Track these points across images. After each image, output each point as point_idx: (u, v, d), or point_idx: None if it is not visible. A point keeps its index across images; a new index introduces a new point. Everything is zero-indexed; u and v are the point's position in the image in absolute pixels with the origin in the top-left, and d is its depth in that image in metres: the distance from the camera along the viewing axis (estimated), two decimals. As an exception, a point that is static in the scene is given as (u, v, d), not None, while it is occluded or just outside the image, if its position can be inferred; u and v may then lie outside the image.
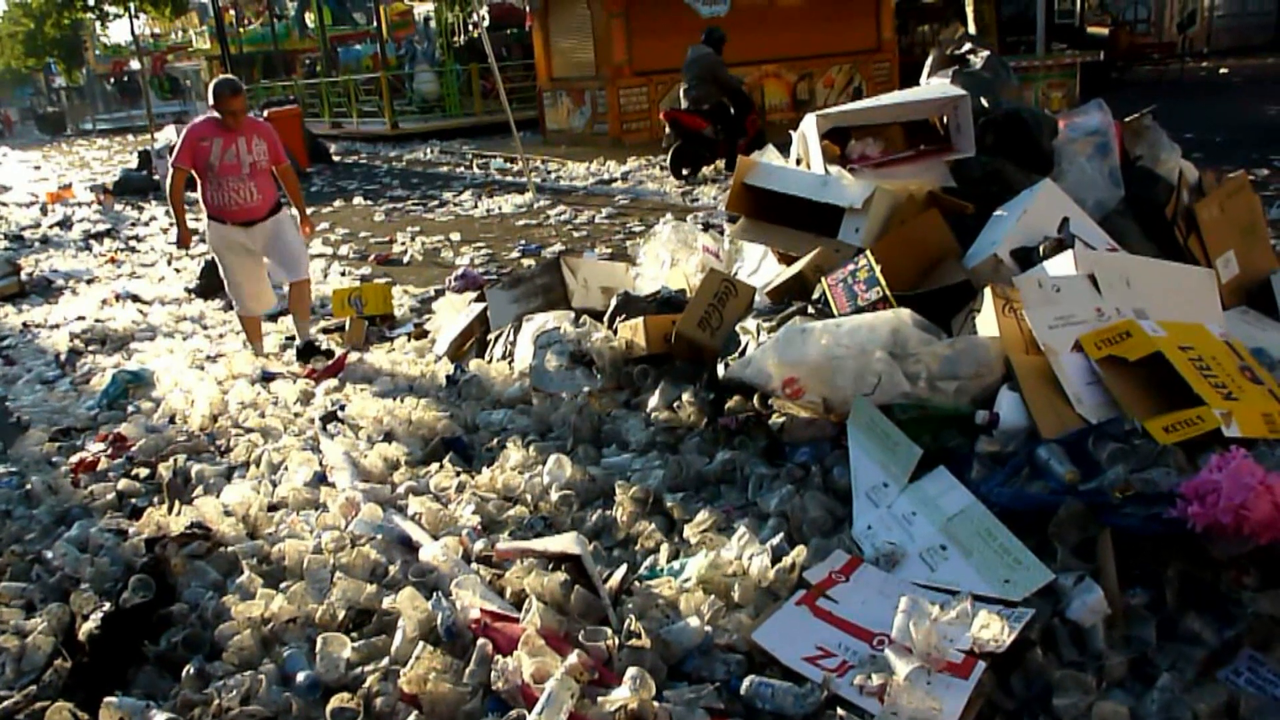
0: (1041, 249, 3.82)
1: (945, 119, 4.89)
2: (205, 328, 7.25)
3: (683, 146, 12.14)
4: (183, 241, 6.18)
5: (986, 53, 5.25)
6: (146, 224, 13.13)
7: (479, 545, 3.19)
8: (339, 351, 5.92)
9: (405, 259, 9.56)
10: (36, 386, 6.09)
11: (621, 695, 2.31)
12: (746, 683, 2.42)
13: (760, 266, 5.09)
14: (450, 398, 4.76)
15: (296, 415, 4.82)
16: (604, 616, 2.72)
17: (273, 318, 7.25)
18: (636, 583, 2.94)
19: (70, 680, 2.77)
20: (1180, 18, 28.20)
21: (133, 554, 3.34)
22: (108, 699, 2.57)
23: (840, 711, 2.31)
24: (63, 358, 6.64)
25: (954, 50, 5.39)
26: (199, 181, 5.87)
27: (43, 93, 56.85)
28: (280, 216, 6.06)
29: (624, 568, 2.98)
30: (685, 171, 12.35)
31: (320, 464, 4.02)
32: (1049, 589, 2.58)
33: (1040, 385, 3.27)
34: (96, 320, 7.54)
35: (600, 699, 2.33)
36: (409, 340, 6.19)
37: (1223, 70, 23.46)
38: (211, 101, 5.78)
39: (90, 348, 6.83)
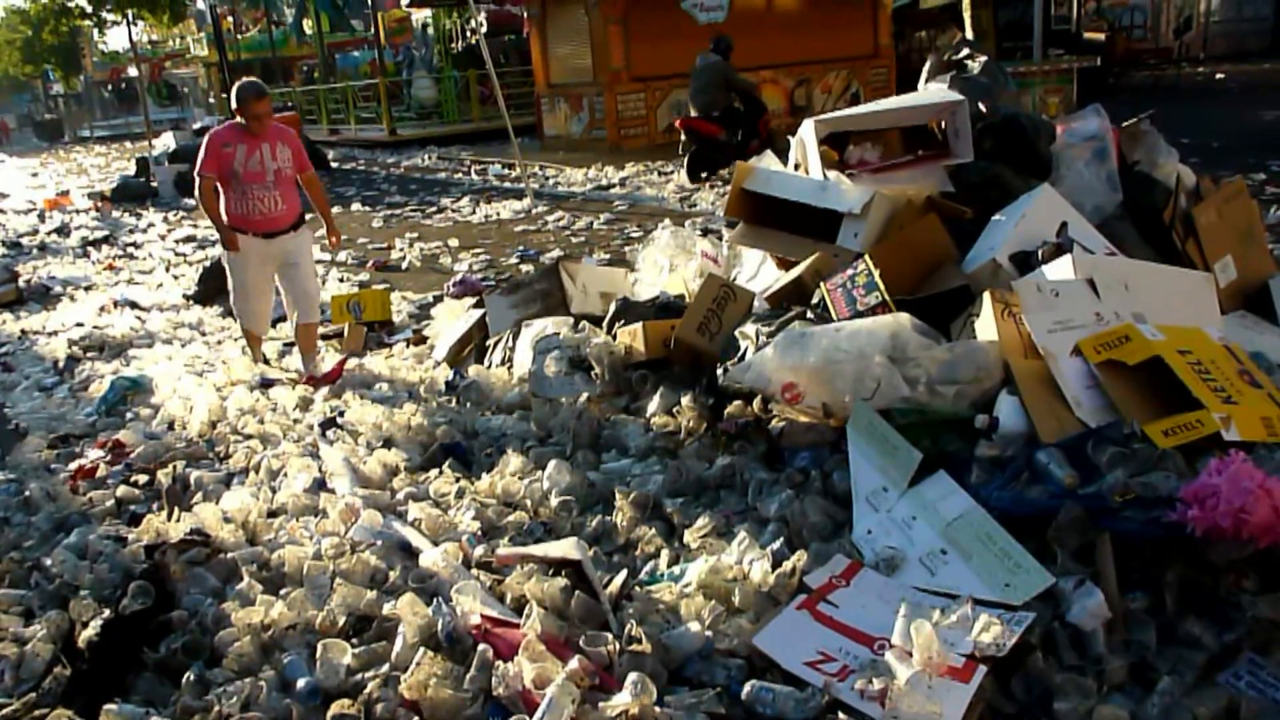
0: (1040, 253, 3.83)
1: (943, 124, 4.90)
2: (204, 334, 7.24)
3: (698, 152, 12.21)
4: (230, 244, 5.74)
5: (984, 58, 5.27)
6: (144, 230, 13.12)
7: (479, 551, 3.19)
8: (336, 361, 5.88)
9: (404, 265, 9.56)
10: (35, 393, 6.08)
11: (622, 700, 2.31)
12: (747, 688, 2.43)
13: (759, 272, 5.10)
14: (449, 403, 4.76)
15: (296, 422, 4.82)
16: (604, 622, 2.72)
17: (272, 323, 7.25)
18: (637, 588, 2.94)
19: (70, 687, 2.77)
20: (1176, 23, 28.27)
21: (132, 561, 3.33)
22: (107, 706, 2.57)
23: (841, 716, 2.32)
24: (61, 364, 6.64)
25: (951, 56, 5.40)
26: (221, 190, 5.64)
27: (40, 99, 56.84)
28: (302, 236, 5.82)
29: (624, 573, 2.98)
30: (703, 175, 12.42)
31: (320, 470, 4.02)
32: (1049, 593, 2.58)
33: (1039, 389, 3.27)
34: (95, 327, 7.52)
35: (601, 704, 2.33)
36: (408, 346, 6.19)
37: (1219, 76, 23.50)
38: (235, 105, 5.55)
39: (89, 354, 6.82)
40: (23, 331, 7.78)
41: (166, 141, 19.18)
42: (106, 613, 2.98)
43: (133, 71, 40.12)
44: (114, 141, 37.63)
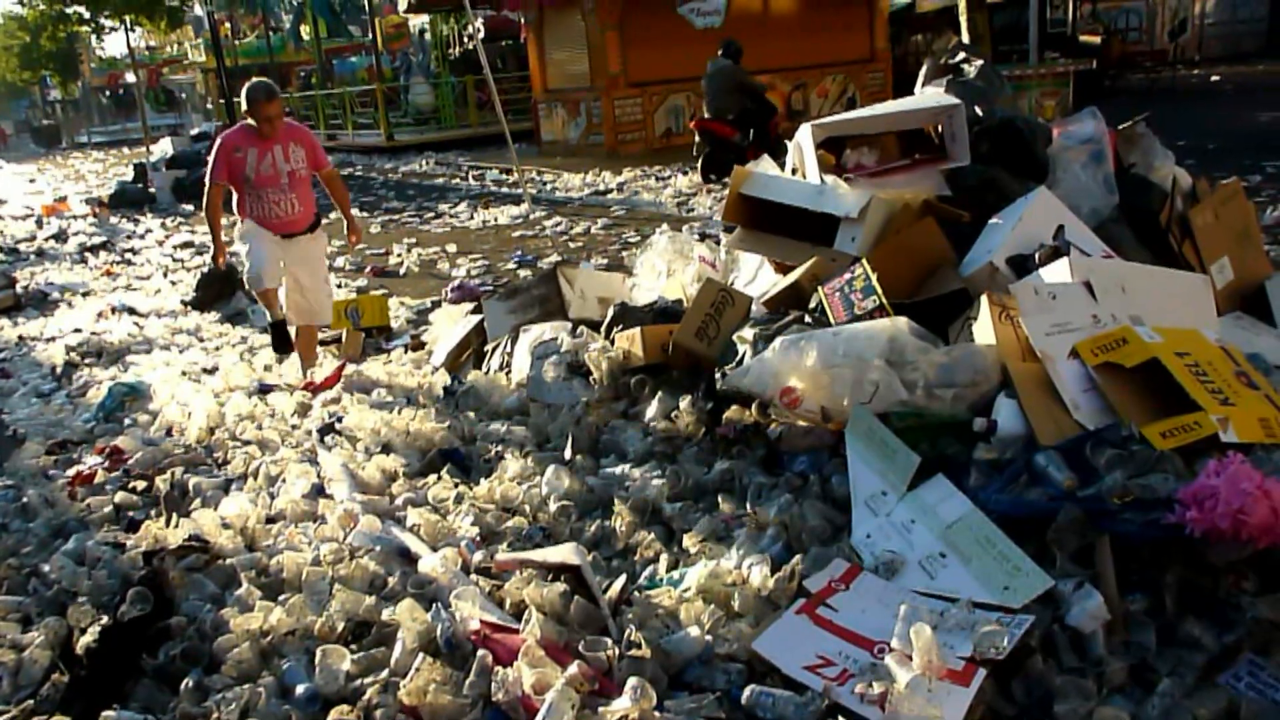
0: (1037, 256, 3.84)
1: (940, 128, 4.91)
2: (202, 340, 7.24)
3: (712, 154, 12.28)
4: (219, 258, 5.84)
5: (980, 62, 5.27)
6: (142, 236, 13.12)
7: (478, 556, 3.18)
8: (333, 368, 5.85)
9: (401, 270, 9.56)
10: (32, 400, 6.08)
11: (622, 706, 2.30)
12: (747, 692, 2.42)
13: (757, 276, 5.10)
14: (448, 409, 4.76)
15: (294, 427, 4.81)
16: (604, 627, 2.72)
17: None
18: (636, 593, 2.94)
19: (68, 694, 2.76)
20: (1172, 26, 28.30)
21: (130, 567, 3.32)
22: (106, 713, 2.57)
23: (841, 720, 2.32)
24: (59, 371, 6.63)
25: (948, 59, 5.41)
26: (235, 194, 5.57)
27: (38, 106, 56.88)
28: (317, 239, 5.77)
29: (623, 578, 2.97)
30: (713, 177, 12.48)
31: (318, 476, 4.02)
32: (1048, 595, 2.58)
33: (1037, 392, 3.28)
34: (93, 333, 7.52)
35: (601, 709, 2.33)
36: (406, 352, 6.19)
37: (1214, 78, 23.55)
38: (245, 107, 5.46)
39: (86, 360, 6.81)
40: (20, 337, 7.78)
41: (164, 147, 19.18)
42: (105, 619, 2.97)
43: (130, 78, 40.21)
44: (112, 147, 37.66)
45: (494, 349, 5.25)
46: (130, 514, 3.95)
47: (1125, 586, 2.58)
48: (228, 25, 36.96)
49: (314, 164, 5.63)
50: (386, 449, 4.31)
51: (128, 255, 11.73)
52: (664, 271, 5.66)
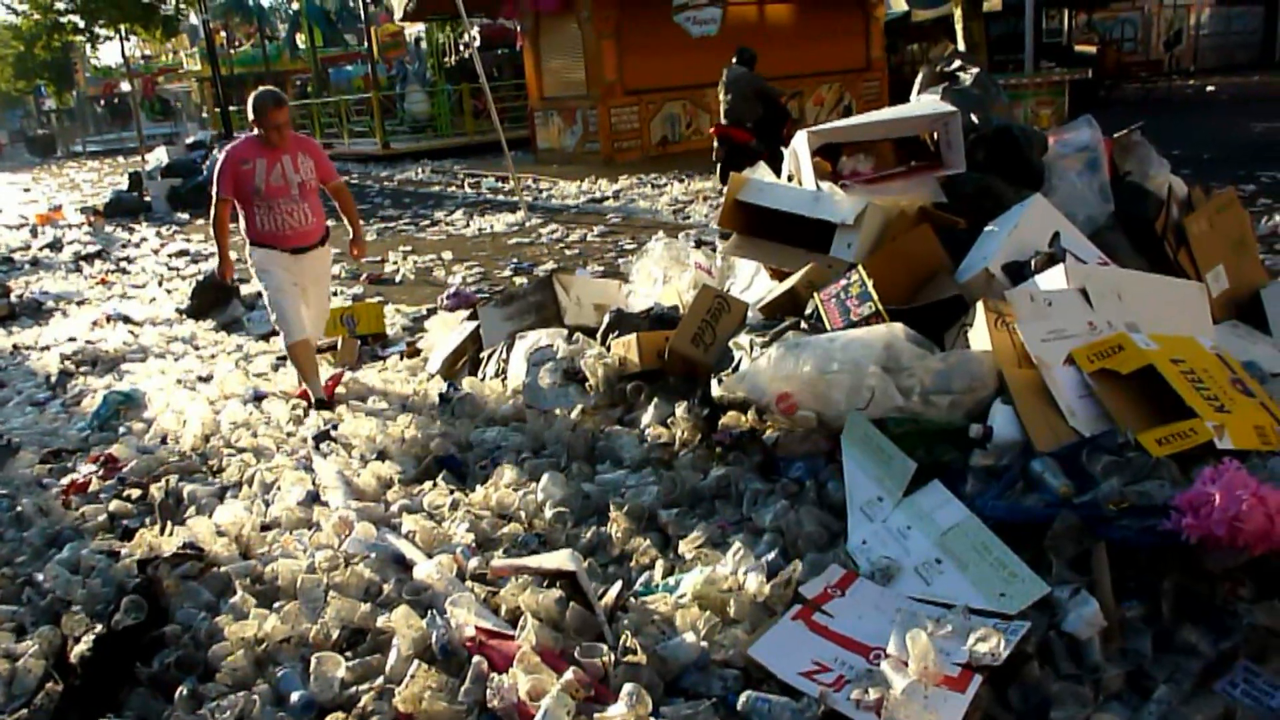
0: (1033, 263, 3.84)
1: (936, 135, 4.91)
2: (197, 348, 7.22)
3: (729, 158, 12.32)
4: (225, 274, 5.61)
5: (976, 70, 5.28)
6: (137, 245, 13.11)
7: (473, 563, 3.17)
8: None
9: (397, 278, 9.56)
10: (27, 408, 6.06)
11: (618, 712, 2.30)
12: (743, 698, 2.42)
13: (753, 283, 5.10)
14: (443, 416, 4.75)
15: (289, 435, 4.81)
16: (600, 633, 2.71)
17: (265, 337, 7.24)
18: (632, 599, 2.93)
19: (62, 703, 2.75)
20: (1167, 37, 28.47)
21: (125, 575, 3.32)
22: (100, 721, 2.56)
23: (837, 726, 2.31)
24: (53, 379, 6.61)
25: (944, 68, 5.42)
26: (242, 210, 5.34)
27: (33, 115, 56.81)
28: (327, 255, 5.67)
29: (619, 584, 2.97)
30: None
31: (313, 483, 4.01)
32: (1045, 602, 2.58)
33: (1033, 399, 3.28)
34: (87, 342, 7.50)
35: (596, 716, 2.32)
36: (401, 359, 6.19)
37: (1209, 88, 23.65)
38: (252, 116, 5.25)
39: (81, 369, 6.80)
40: (15, 346, 7.77)
41: (159, 156, 19.20)
42: (99, 628, 2.96)
43: (125, 87, 40.20)
44: (107, 157, 37.61)
45: (490, 356, 5.24)
46: (125, 522, 3.94)
47: (1121, 593, 2.58)
48: (223, 34, 37.03)
49: (322, 176, 5.49)
50: (382, 456, 4.30)
51: (123, 264, 11.71)
52: (660, 278, 5.66)
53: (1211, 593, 2.58)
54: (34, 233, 14.88)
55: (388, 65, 31.11)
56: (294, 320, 5.42)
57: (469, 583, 3.05)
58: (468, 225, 12.44)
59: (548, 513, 3.54)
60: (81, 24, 29.32)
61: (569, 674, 2.40)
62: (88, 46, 38.50)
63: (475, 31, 22.52)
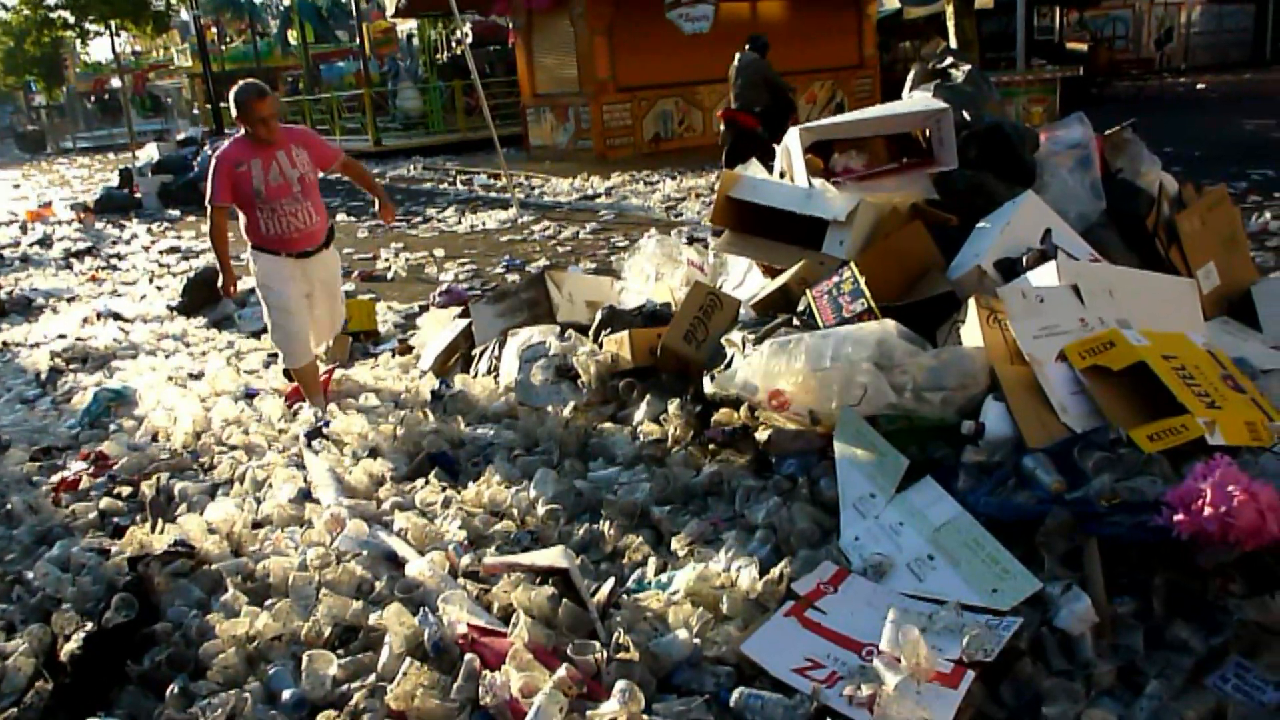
0: (1025, 260, 3.85)
1: (928, 132, 4.92)
2: (188, 345, 7.19)
3: (735, 144, 12.33)
4: (228, 289, 5.25)
5: (968, 67, 5.29)
6: (128, 242, 13.05)
7: (466, 560, 3.17)
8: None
9: (389, 275, 9.53)
10: (17, 405, 6.03)
11: (610, 709, 2.29)
12: (736, 695, 2.42)
13: (745, 279, 5.10)
14: (436, 413, 4.74)
15: (281, 432, 4.79)
16: (592, 630, 2.71)
17: (256, 334, 7.22)
18: (624, 596, 2.93)
19: (52, 702, 2.74)
20: (1158, 34, 28.54)
21: (115, 573, 3.30)
22: None
23: (830, 722, 2.31)
24: (43, 376, 6.58)
25: (936, 65, 5.42)
26: (243, 214, 5.03)
27: (22, 111, 56.51)
28: (331, 256, 5.38)
29: (612, 581, 2.96)
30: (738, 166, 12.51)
31: (305, 480, 4.00)
32: (1037, 598, 2.58)
33: (1025, 395, 3.28)
34: (78, 338, 7.48)
35: (589, 713, 2.32)
36: (393, 356, 6.17)
37: (1200, 86, 23.73)
38: (235, 113, 4.91)
39: (71, 366, 6.77)
40: (4, 343, 7.73)
41: (150, 153, 19.14)
42: (89, 626, 2.95)
43: (116, 83, 40.01)
44: (97, 153, 37.46)
45: (482, 353, 5.23)
46: (115, 520, 3.92)
47: (1113, 589, 2.59)
48: (214, 30, 36.92)
49: (323, 161, 5.19)
50: (374, 453, 4.29)
51: (113, 260, 11.66)
52: (652, 275, 5.66)
53: (1203, 588, 2.58)
54: (24, 229, 14.81)
55: (380, 62, 31.06)
56: (298, 343, 5.17)
57: (461, 580, 3.05)
58: (460, 222, 12.41)
59: (540, 510, 3.54)
60: (72, 19, 29.16)
61: (561, 671, 2.40)
62: (78, 42, 38.38)
63: (467, 28, 22.48)
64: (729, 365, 3.82)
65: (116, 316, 8.25)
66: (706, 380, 3.87)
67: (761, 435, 3.58)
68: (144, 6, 27.65)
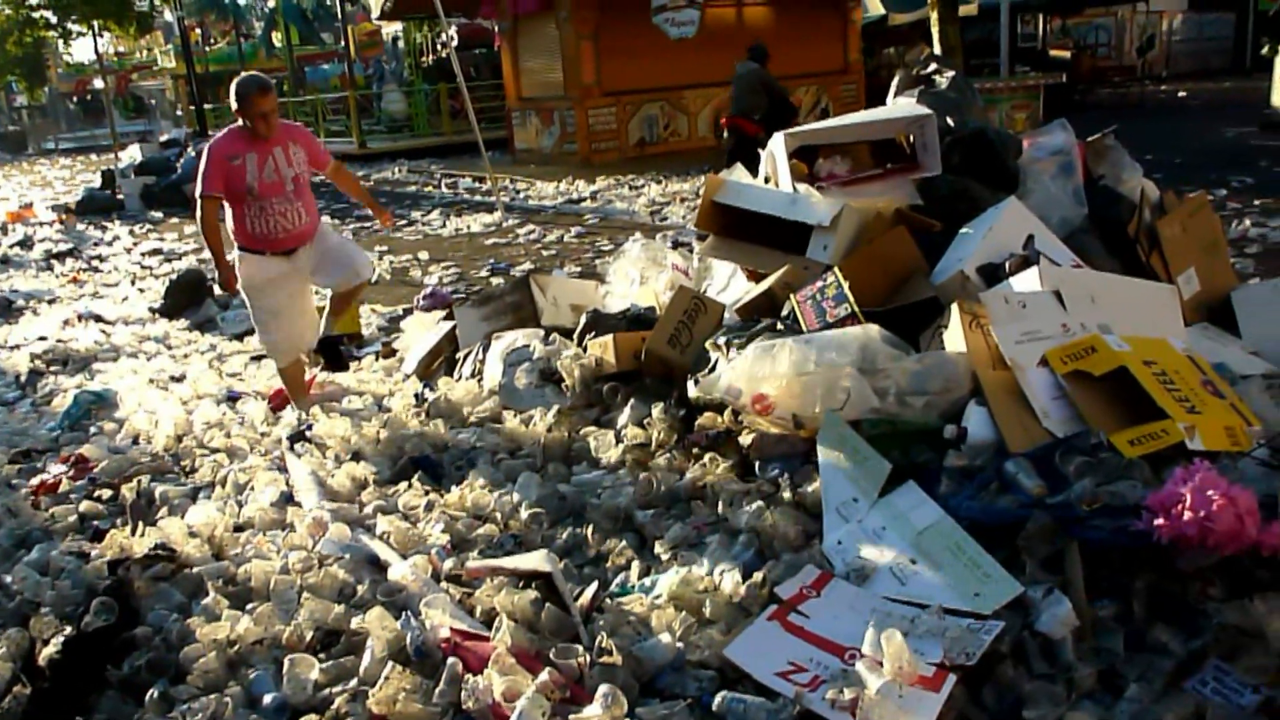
0: (1007, 265, 3.87)
1: (912, 138, 4.94)
2: (170, 348, 7.16)
3: (737, 149, 12.39)
4: (228, 284, 5.01)
5: (952, 73, 5.32)
6: (110, 243, 12.97)
7: (448, 564, 3.16)
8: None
9: (373, 278, 9.49)
10: (-4, 407, 5.99)
11: (593, 713, 2.29)
12: (719, 699, 2.42)
13: (729, 284, 5.11)
14: (419, 416, 4.73)
15: (263, 435, 4.77)
16: (575, 634, 2.70)
17: (239, 336, 7.19)
18: (608, 600, 2.93)
19: (30, 707, 2.72)
20: (1140, 42, 28.72)
21: (95, 577, 3.28)
22: (69, 724, 2.53)
23: (813, 726, 2.31)
24: (23, 378, 6.54)
25: (920, 70, 5.45)
26: (229, 211, 4.87)
27: (3, 112, 56.11)
28: (321, 229, 5.16)
29: (595, 585, 2.96)
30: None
31: (287, 484, 3.98)
32: (1018, 602, 2.59)
33: (1008, 400, 3.30)
34: (58, 340, 7.42)
35: (572, 717, 2.31)
36: (377, 359, 6.14)
37: (1181, 93, 23.91)
38: (236, 106, 4.73)
39: (52, 368, 6.72)
40: (-15, 345, 7.67)
41: (133, 154, 19.02)
42: (68, 630, 2.93)
43: (99, 84, 39.80)
44: (79, 154, 37.20)
45: (466, 356, 5.22)
46: (95, 523, 3.90)
47: (1094, 593, 2.60)
48: (198, 31, 36.71)
49: (316, 163, 5.06)
50: (357, 457, 4.28)
51: (95, 262, 11.59)
52: (637, 279, 5.66)
53: (1183, 592, 2.60)
54: (4, 230, 14.69)
55: (364, 64, 30.96)
56: (284, 345, 5.11)
57: (444, 584, 3.04)
58: (444, 225, 12.39)
59: (523, 514, 3.53)
60: (54, 19, 29.00)
61: (544, 675, 2.39)
62: (60, 42, 38.14)
63: (453, 31, 22.45)
64: (713, 369, 3.83)
65: (98, 318, 8.20)
66: (690, 384, 3.88)
67: (745, 439, 3.59)
68: (127, 7, 27.53)
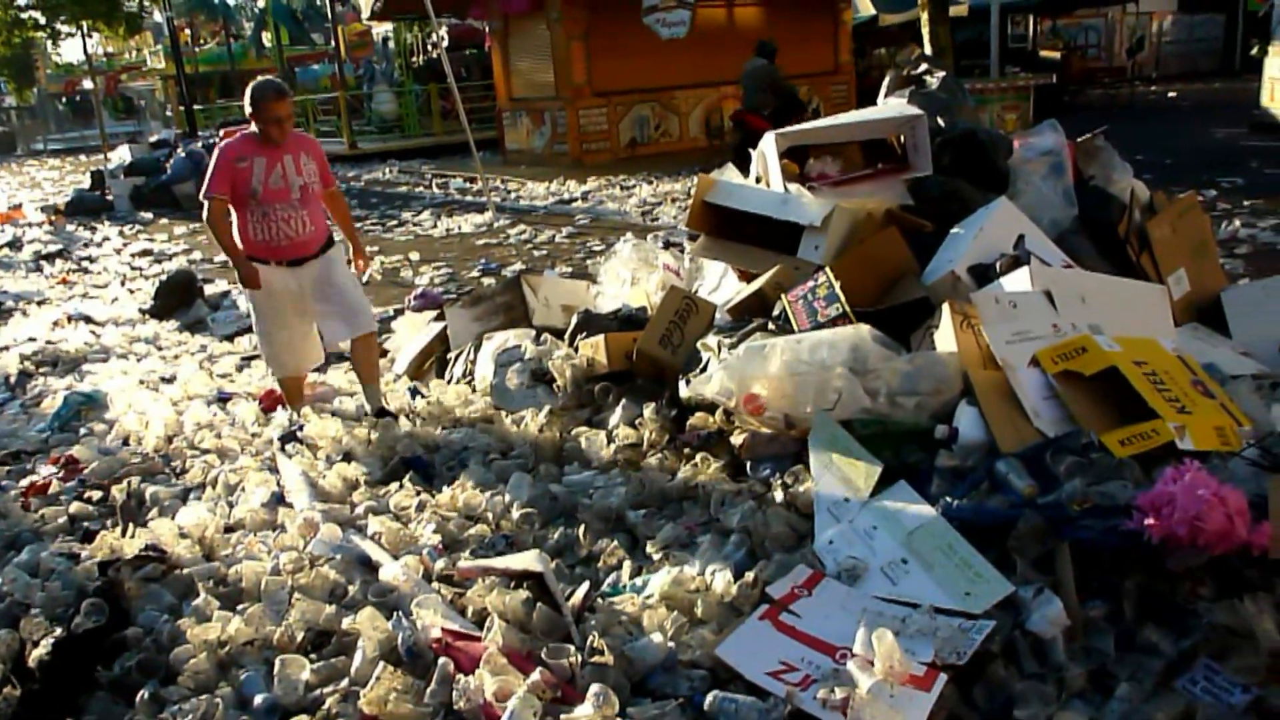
0: (998, 266, 3.87)
1: (903, 138, 4.95)
2: (160, 349, 7.13)
3: (743, 144, 12.40)
4: (249, 280, 4.75)
5: (943, 73, 5.33)
6: (100, 244, 12.92)
7: (440, 564, 3.16)
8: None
9: (364, 278, 9.46)
10: (-14, 409, 5.96)
11: (585, 713, 2.29)
12: (710, 698, 2.42)
13: (721, 284, 5.11)
14: (410, 417, 4.72)
15: (254, 436, 4.76)
16: (567, 634, 2.70)
17: (229, 337, 7.17)
18: (599, 600, 2.93)
19: (20, 709, 2.70)
20: (1130, 44, 28.82)
21: (85, 578, 3.27)
22: (59, 726, 2.52)
23: (804, 726, 2.31)
24: (13, 380, 6.50)
25: (911, 71, 5.46)
26: (234, 213, 4.74)
27: (-8, 112, 55.96)
28: (332, 254, 4.96)
29: (586, 585, 2.96)
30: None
31: (278, 485, 3.97)
32: (1009, 601, 2.60)
33: (998, 400, 3.31)
34: (48, 342, 7.39)
35: (563, 717, 2.31)
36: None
37: (1171, 94, 23.99)
38: (250, 110, 4.65)
39: (41, 370, 6.70)
40: (-27, 347, 7.62)
41: (122, 154, 18.93)
42: (59, 631, 2.92)
43: (88, 84, 39.64)
44: (69, 155, 37.05)
45: (457, 357, 5.22)
46: (85, 524, 3.88)
47: (1085, 593, 2.60)
48: (188, 32, 36.65)
49: (324, 179, 4.93)
50: (348, 457, 4.27)
51: (84, 263, 11.55)
52: (628, 279, 5.67)
53: (1173, 592, 2.61)
54: (-7, 231, 14.65)
55: (355, 65, 30.95)
56: (284, 358, 5.00)
57: (435, 584, 3.03)
58: (435, 226, 12.38)
59: (515, 514, 3.53)
60: (42, 20, 28.91)
61: (536, 675, 2.39)
62: (49, 43, 37.98)
63: (443, 31, 22.44)
64: (704, 369, 3.83)
65: (87, 320, 8.16)
66: (682, 384, 3.88)
67: (737, 439, 3.59)
68: (116, 8, 27.46)
